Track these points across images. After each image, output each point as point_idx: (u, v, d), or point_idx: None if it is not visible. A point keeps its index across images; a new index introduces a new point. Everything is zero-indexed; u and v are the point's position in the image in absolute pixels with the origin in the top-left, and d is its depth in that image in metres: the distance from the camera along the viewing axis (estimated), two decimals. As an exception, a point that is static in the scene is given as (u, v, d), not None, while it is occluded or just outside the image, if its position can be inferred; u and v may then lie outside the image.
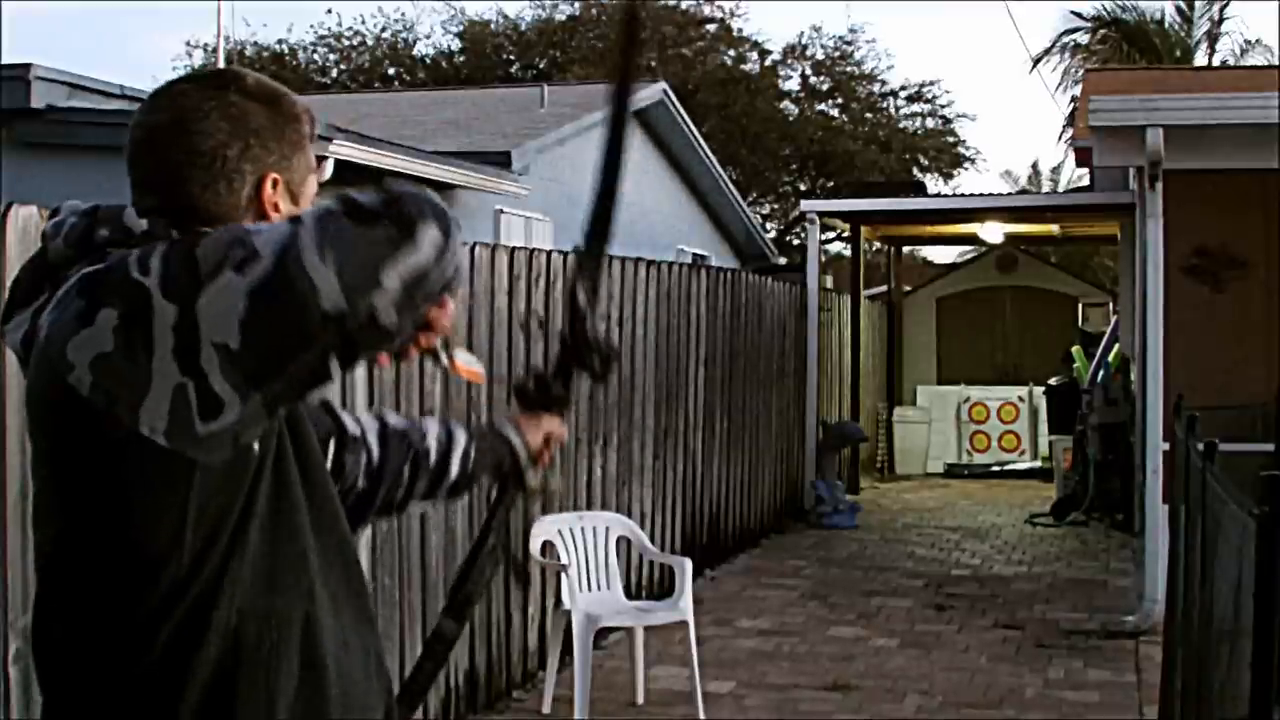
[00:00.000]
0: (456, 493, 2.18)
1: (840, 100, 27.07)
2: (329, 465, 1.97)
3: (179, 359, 1.43)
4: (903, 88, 27.26)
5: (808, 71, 27.02)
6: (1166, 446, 7.01)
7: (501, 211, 12.47)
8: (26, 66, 9.30)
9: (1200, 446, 3.74)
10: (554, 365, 2.16)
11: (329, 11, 49.73)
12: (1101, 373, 12.22)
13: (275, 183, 1.73)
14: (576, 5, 26.55)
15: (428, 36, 30.76)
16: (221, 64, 14.28)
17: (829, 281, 14.63)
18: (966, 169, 29.95)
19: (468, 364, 2.03)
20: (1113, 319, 14.27)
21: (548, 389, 2.17)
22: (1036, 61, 24.13)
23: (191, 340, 1.42)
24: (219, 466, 1.53)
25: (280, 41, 28.28)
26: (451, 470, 2.13)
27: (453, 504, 2.19)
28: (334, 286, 1.41)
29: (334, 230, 1.43)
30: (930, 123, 27.23)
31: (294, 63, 27.37)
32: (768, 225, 25.37)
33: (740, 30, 27.22)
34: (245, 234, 1.47)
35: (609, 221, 2.05)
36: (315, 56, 28.15)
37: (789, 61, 26.90)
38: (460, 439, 2.14)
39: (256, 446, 1.56)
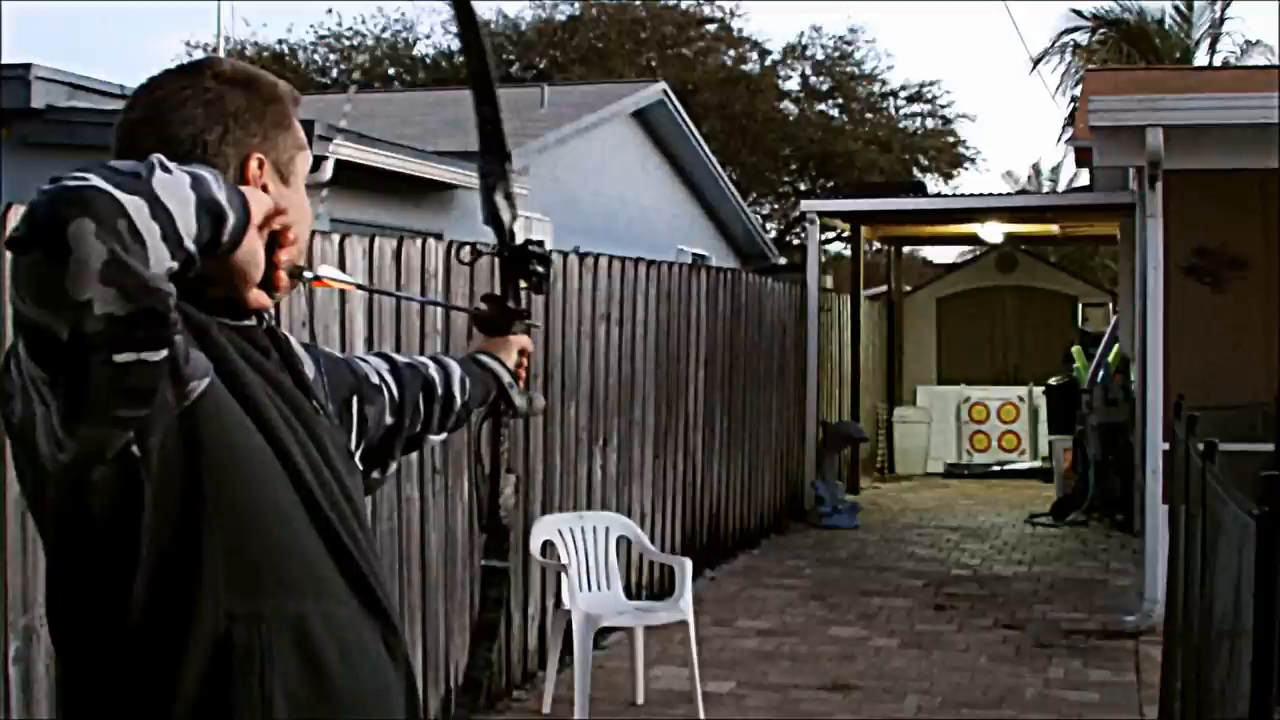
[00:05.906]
0: (459, 423, 2.24)
1: (840, 100, 27.08)
2: (354, 424, 1.98)
3: (35, 389, 1.40)
4: (903, 88, 27.31)
5: (808, 71, 27.04)
6: (1166, 446, 7.01)
7: (502, 212, 12.46)
8: (26, 66, 9.29)
9: (1200, 446, 3.74)
10: (501, 283, 2.24)
11: (329, 11, 49.55)
12: (1101, 373, 12.21)
13: (260, 163, 1.71)
14: (576, 5, 26.55)
15: (428, 36, 30.72)
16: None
17: (829, 281, 14.62)
18: (966, 169, 29.98)
19: (334, 277, 2.05)
20: (1113, 319, 14.26)
21: (506, 307, 2.25)
22: (1036, 61, 24.14)
23: (30, 370, 1.40)
24: (110, 478, 1.50)
25: (280, 41, 28.28)
26: (456, 399, 2.19)
27: (454, 434, 2.23)
28: (50, 318, 1.32)
29: (19, 268, 1.34)
30: (930, 123, 27.26)
31: (294, 63, 27.34)
32: (768, 225, 25.36)
33: (740, 30, 27.33)
34: None
35: (498, 125, 2.17)
36: (315, 56, 28.16)
37: (789, 61, 26.92)
38: (455, 369, 2.21)
39: (136, 449, 1.49)
